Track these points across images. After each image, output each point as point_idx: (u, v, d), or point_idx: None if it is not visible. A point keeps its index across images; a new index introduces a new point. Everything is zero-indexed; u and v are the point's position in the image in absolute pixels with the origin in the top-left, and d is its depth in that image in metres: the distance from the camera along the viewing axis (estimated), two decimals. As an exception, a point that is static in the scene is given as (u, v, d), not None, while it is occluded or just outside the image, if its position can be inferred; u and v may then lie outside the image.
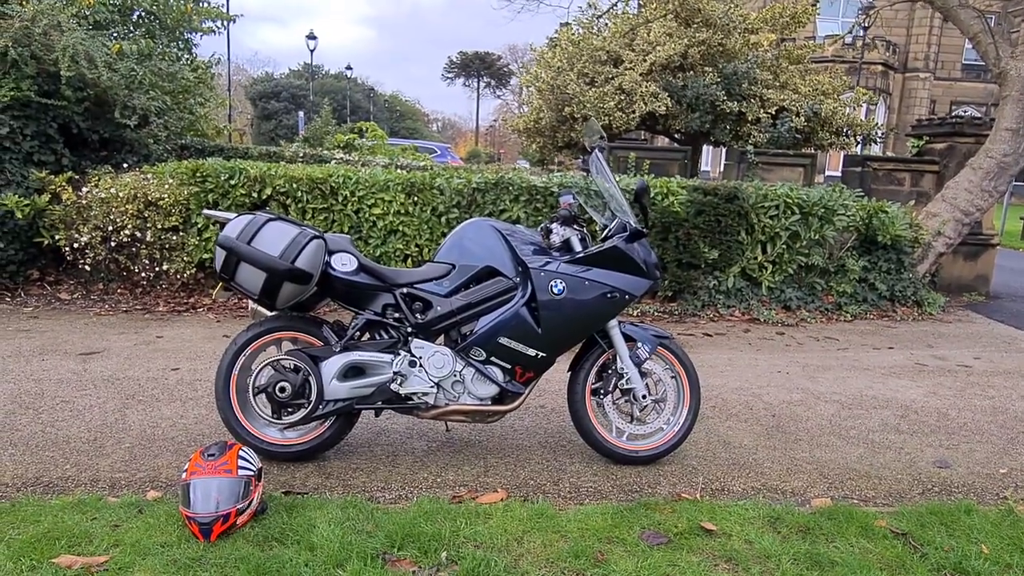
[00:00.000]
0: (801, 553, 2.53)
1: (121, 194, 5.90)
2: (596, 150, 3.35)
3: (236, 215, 3.01)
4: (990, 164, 6.98)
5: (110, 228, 5.93)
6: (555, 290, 3.05)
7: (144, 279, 6.17)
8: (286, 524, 2.55)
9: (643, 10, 10.44)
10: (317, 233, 2.96)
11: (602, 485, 3.09)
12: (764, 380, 4.69)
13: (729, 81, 9.87)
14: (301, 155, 8.22)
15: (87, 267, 6.09)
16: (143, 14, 8.14)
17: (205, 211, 3.26)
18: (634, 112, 10.05)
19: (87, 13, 6.77)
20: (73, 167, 6.42)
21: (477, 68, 71.39)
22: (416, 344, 3.08)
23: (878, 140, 11.24)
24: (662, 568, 2.40)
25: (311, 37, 30.32)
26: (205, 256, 6.04)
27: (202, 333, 5.22)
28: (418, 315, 3.10)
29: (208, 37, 9.16)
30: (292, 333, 3.15)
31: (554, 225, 3.29)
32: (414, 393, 3.07)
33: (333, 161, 7.70)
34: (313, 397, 3.01)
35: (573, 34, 11.30)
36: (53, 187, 6.00)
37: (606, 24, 11.16)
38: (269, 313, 3.14)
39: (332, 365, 3.02)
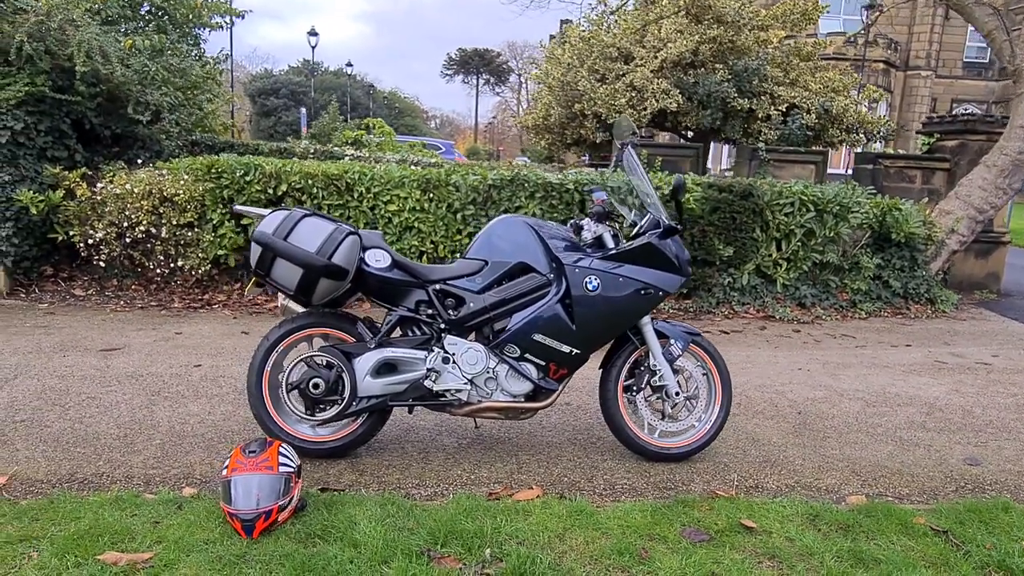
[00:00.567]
0: (844, 550, 2.52)
1: (136, 190, 5.87)
2: (629, 146, 3.33)
3: (271, 211, 2.99)
4: (1004, 161, 6.98)
5: (125, 224, 5.91)
6: (590, 286, 3.04)
7: (159, 275, 6.15)
8: (327, 521, 2.53)
9: (653, 6, 10.41)
10: (352, 229, 2.95)
11: (636, 482, 3.08)
12: (786, 377, 4.69)
13: (740, 78, 9.86)
14: (312, 151, 8.18)
15: (102, 263, 6.07)
16: (152, 8, 8.12)
17: (236, 207, 3.24)
18: (645, 109, 10.03)
19: (99, 8, 6.74)
20: (86, 163, 6.40)
21: (476, 65, 71.31)
22: (449, 340, 3.07)
23: (889, 137, 11.23)
24: (707, 566, 2.39)
25: (312, 34, 30.25)
26: (220, 253, 6.02)
27: (220, 329, 5.20)
28: (451, 311, 3.09)
29: (208, 33, 9.16)
30: (324, 329, 3.13)
31: (585, 221, 3.29)
32: (447, 390, 3.06)
33: (347, 158, 7.66)
34: (347, 394, 3.00)
35: (583, 31, 11.27)
36: (67, 183, 5.97)
37: (615, 21, 11.14)
38: (299, 309, 3.12)
39: (366, 361, 3.01)
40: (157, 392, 3.85)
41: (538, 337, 3.04)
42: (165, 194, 5.91)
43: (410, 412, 3.22)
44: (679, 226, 3.18)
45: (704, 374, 3.34)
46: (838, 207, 6.60)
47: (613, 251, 3.12)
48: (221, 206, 5.98)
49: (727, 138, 10.55)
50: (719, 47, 10.00)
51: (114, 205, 5.91)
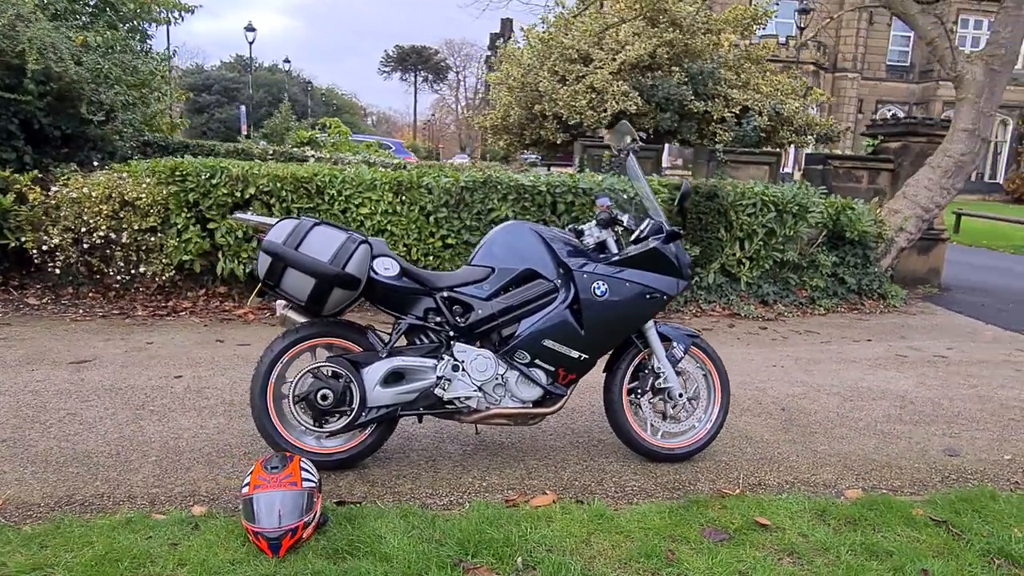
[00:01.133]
0: (856, 544, 2.63)
1: (94, 194, 5.62)
2: (631, 152, 3.38)
3: (277, 220, 2.92)
4: (948, 163, 7.35)
5: (83, 229, 5.65)
6: (598, 292, 3.08)
7: (118, 282, 5.91)
8: (352, 536, 2.50)
9: (611, 10, 10.54)
10: (364, 237, 2.91)
11: (645, 483, 3.13)
12: (764, 375, 4.83)
13: (695, 81, 10.10)
14: (271, 153, 7.99)
15: (57, 270, 5.79)
16: (98, 3, 7.78)
17: (235, 215, 3.15)
18: (606, 111, 10.16)
19: (46, 3, 6.43)
20: (35, 165, 6.09)
21: (414, 62, 70.71)
22: (459, 348, 3.06)
23: (835, 138, 11.71)
24: (732, 565, 2.46)
25: (249, 29, 29.44)
26: (185, 258, 5.82)
27: (193, 338, 5.03)
28: (459, 318, 3.08)
29: (155, 28, 8.85)
30: (329, 339, 3.08)
31: (587, 226, 3.33)
32: (457, 397, 3.05)
33: (311, 159, 7.51)
34: (356, 404, 2.96)
35: (541, 33, 11.32)
36: (18, 186, 5.68)
37: (570, 23, 11.23)
38: (301, 319, 3.06)
39: (375, 371, 2.98)
40: (141, 406, 3.71)
41: (548, 343, 3.06)
42: (126, 198, 5.68)
43: (420, 421, 3.20)
44: (681, 231, 3.25)
45: (704, 375, 3.42)
46: (797, 207, 6.84)
47: (619, 256, 3.16)
48: (186, 210, 5.78)
49: (683, 140, 10.80)
50: (675, 50, 10.23)
51: (70, 210, 5.65)
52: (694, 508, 2.85)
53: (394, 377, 3.02)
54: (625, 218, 3.44)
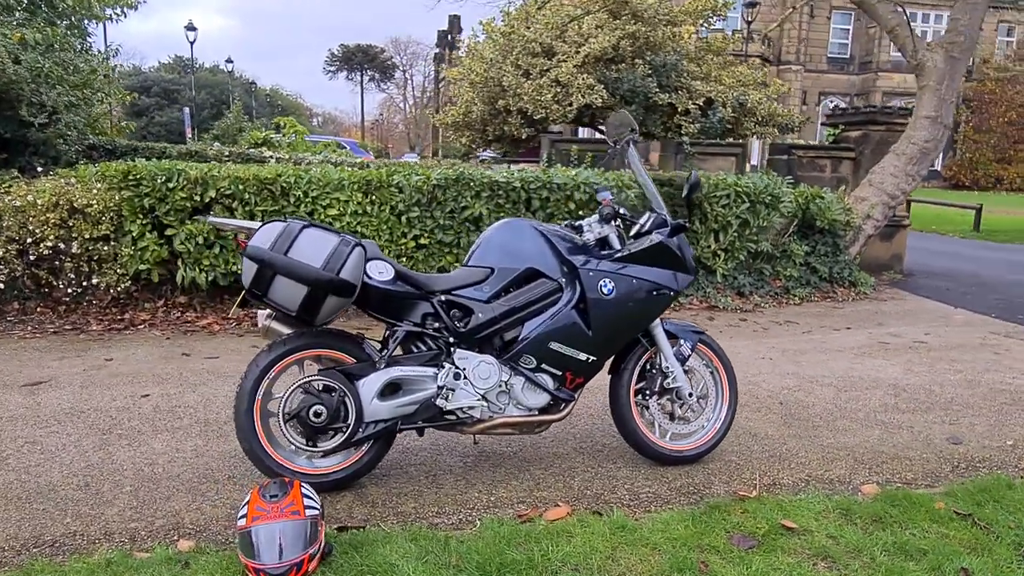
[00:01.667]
0: (888, 544, 2.53)
1: (40, 201, 5.24)
2: (631, 143, 3.24)
3: (261, 224, 2.68)
4: (912, 150, 7.44)
5: (28, 240, 5.26)
6: (605, 290, 2.92)
7: (68, 295, 5.53)
8: (361, 566, 2.29)
9: (570, 1, 10.40)
10: (357, 240, 2.69)
11: (658, 489, 2.99)
12: (754, 368, 4.75)
13: (659, 73, 10.05)
14: (227, 154, 7.63)
15: (0, 285, 5.38)
16: (35, -1, 7.30)
17: (209, 218, 2.90)
18: (571, 104, 10.03)
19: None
20: (-28, 172, 5.67)
21: (360, 61, 69.68)
22: (459, 355, 2.87)
23: (795, 129, 11.84)
24: (766, 573, 2.33)
25: (190, 28, 28.50)
26: (141, 267, 5.47)
27: (156, 352, 4.72)
28: (458, 323, 2.89)
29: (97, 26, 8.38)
30: (319, 351, 2.85)
31: (586, 222, 3.17)
32: (459, 408, 2.86)
33: (272, 160, 7.19)
34: (351, 420, 2.75)
35: (503, 26, 11.10)
36: (-46, 195, 5.26)
37: (531, 16, 11.04)
38: (286, 331, 2.83)
39: (372, 383, 2.77)
40: (107, 430, 3.41)
41: (555, 346, 2.89)
42: (75, 205, 5.31)
43: (421, 435, 2.99)
44: (687, 223, 3.12)
45: (711, 373, 3.30)
46: (770, 197, 6.81)
47: (624, 252, 3.01)
48: (141, 216, 5.43)
49: (647, 132, 10.75)
50: (638, 43, 10.16)
51: (13, 219, 5.25)
52: (716, 514, 2.72)
53: (391, 389, 2.82)
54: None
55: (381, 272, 2.79)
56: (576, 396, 3.01)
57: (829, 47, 38.35)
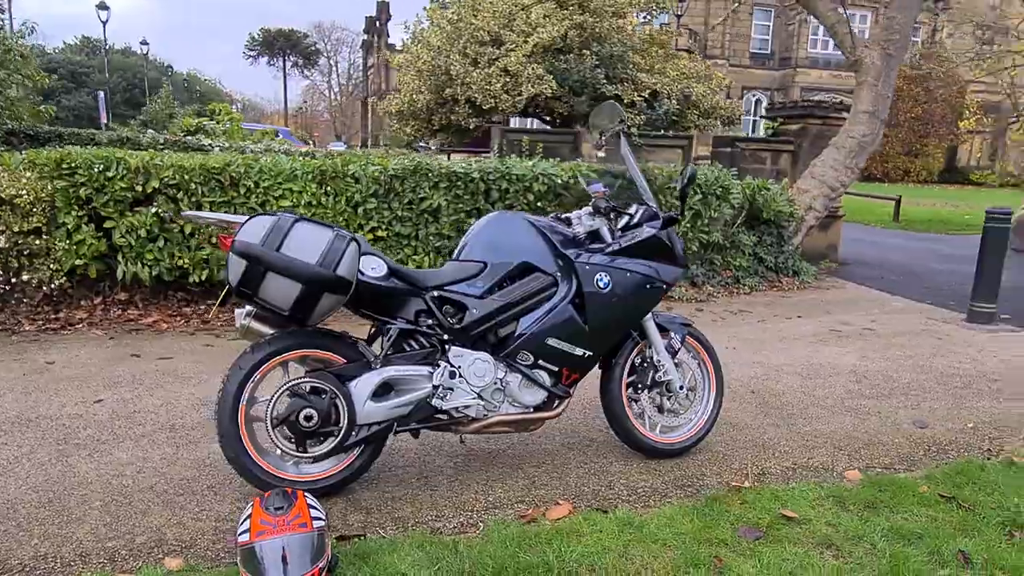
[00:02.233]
0: (886, 529, 2.59)
1: (-38, 192, 4.81)
2: (621, 135, 3.20)
3: (248, 217, 2.51)
4: (851, 143, 7.71)
5: (-51, 234, 4.83)
6: (600, 284, 2.88)
7: (-5, 293, 5.11)
8: (372, 577, 2.18)
9: None
10: (351, 235, 2.56)
11: (655, 483, 2.98)
12: (720, 358, 4.80)
13: (606, 64, 10.08)
14: (162, 142, 7.22)
15: (-83, 283, 4.93)
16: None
17: (186, 213, 2.70)
18: (520, 94, 9.94)
19: None
20: None
21: (282, 47, 67.49)
22: (454, 352, 2.78)
23: (734, 121, 12.12)
24: (780, 565, 2.35)
25: (102, 7, 26.88)
26: (77, 263, 5.11)
27: (102, 354, 4.41)
28: (452, 320, 2.79)
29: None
30: (306, 351, 2.70)
31: (575, 214, 3.12)
32: (455, 407, 2.77)
33: (216, 149, 6.85)
34: (343, 423, 2.62)
35: (451, 14, 10.86)
36: None
37: (478, 4, 10.85)
38: (267, 331, 2.67)
39: (365, 384, 2.64)
40: (63, 440, 3.16)
41: (552, 341, 2.83)
42: (2, 196, 4.89)
43: (416, 437, 2.88)
44: (679, 215, 3.11)
45: (699, 364, 3.31)
46: (720, 189, 6.93)
47: (618, 245, 2.97)
48: (77, 208, 5.07)
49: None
50: (585, 33, 10.15)
51: (-69, 211, 4.80)
52: (717, 507, 2.73)
53: (384, 389, 2.70)
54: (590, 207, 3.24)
55: (374, 268, 2.67)
56: (571, 392, 2.97)
57: (752, 43, 39.55)
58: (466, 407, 2.79)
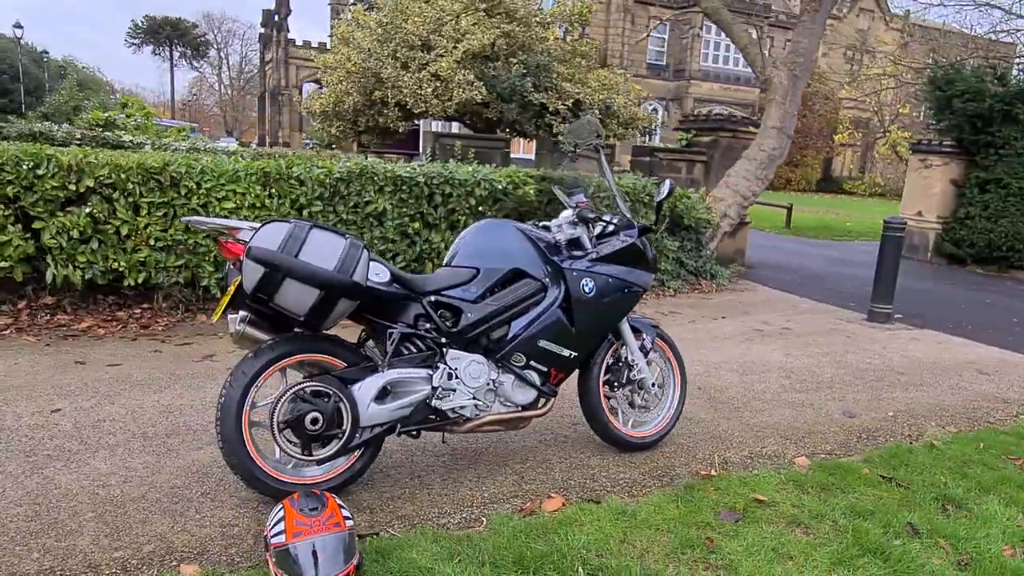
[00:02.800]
0: (843, 507, 2.91)
1: None
2: (599, 149, 3.40)
3: (263, 224, 2.53)
4: (762, 156, 8.29)
5: None
6: (586, 289, 3.07)
7: (-94, 298, 4.75)
8: (399, 572, 2.27)
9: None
10: (362, 241, 2.62)
11: (632, 474, 3.20)
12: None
13: (532, 73, 10.32)
14: (78, 137, 6.85)
15: None
16: None
17: (185, 218, 2.68)
18: (450, 99, 10.00)
19: None
20: None
21: (168, 36, 64.08)
22: (451, 355, 2.89)
23: (652, 132, 12.58)
24: (762, 543, 2.61)
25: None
26: (3, 264, 4.82)
27: (44, 361, 4.20)
28: (448, 323, 2.90)
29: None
30: (308, 355, 2.74)
31: (553, 223, 3.29)
32: (453, 407, 2.89)
33: (149, 146, 6.57)
34: (347, 426, 2.68)
35: (382, 17, 10.73)
36: None
37: (406, 9, 10.79)
38: (263, 337, 2.70)
39: (368, 387, 2.72)
40: (30, 452, 3.03)
41: (543, 343, 3.00)
42: (-82, 193, 4.56)
43: (416, 437, 2.96)
44: (654, 226, 3.34)
45: (665, 362, 3.56)
46: (647, 196, 7.31)
47: (601, 252, 3.17)
48: (2, 207, 4.78)
49: (520, 131, 10.99)
50: (512, 42, 10.35)
51: None
52: (695, 494, 2.97)
53: (387, 392, 2.78)
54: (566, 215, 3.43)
55: (378, 273, 2.74)
56: (557, 391, 3.14)
57: (648, 54, 41.12)
58: (462, 407, 2.91)
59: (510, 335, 2.98)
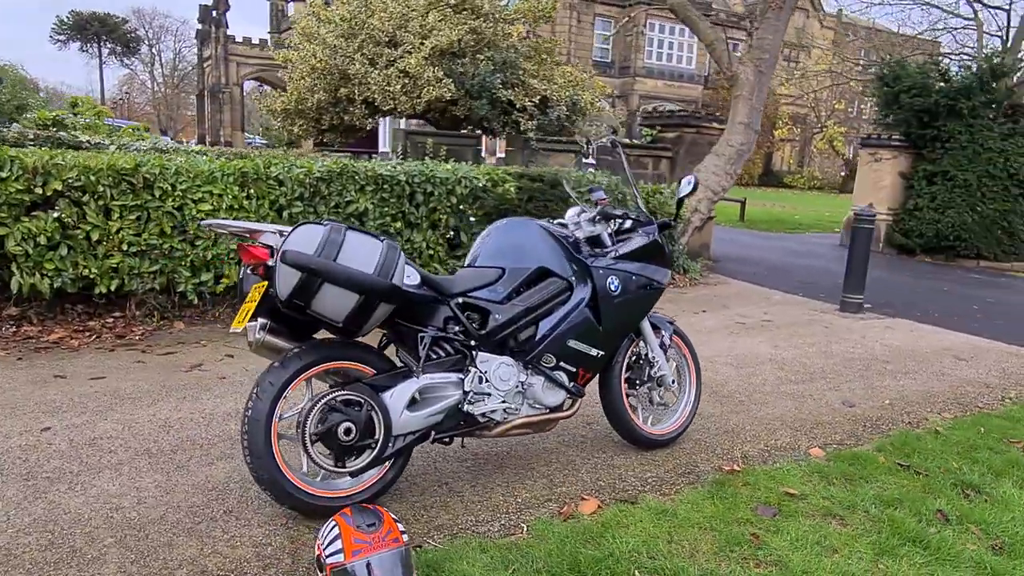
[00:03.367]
0: (871, 497, 2.95)
1: None
2: (618, 144, 3.36)
3: (295, 228, 2.40)
4: (730, 151, 8.41)
5: None
6: (612, 287, 3.04)
7: None
8: (456, 585, 2.19)
9: None
10: (395, 243, 2.52)
11: (658, 472, 3.17)
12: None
13: (499, 69, 10.22)
14: (31, 137, 6.48)
15: None
16: None
17: (206, 221, 2.52)
18: (420, 97, 9.81)
19: None
20: None
21: (96, 31, 61.51)
22: (481, 358, 2.81)
23: (618, 129, 12.68)
24: (807, 536, 2.61)
25: None
26: (-38, 274, 4.52)
27: (21, 376, 3.94)
28: (476, 325, 2.82)
29: None
30: (337, 363, 2.63)
31: (571, 221, 3.25)
32: (482, 412, 2.81)
33: (116, 147, 6.25)
34: (379, 435, 2.58)
35: (347, 12, 10.43)
36: None
37: (372, 4, 10.51)
38: (284, 345, 2.58)
39: (400, 394, 2.62)
40: (28, 475, 2.83)
41: (572, 343, 2.95)
42: None
43: (449, 443, 2.86)
44: (673, 221, 3.32)
45: (682, 359, 3.55)
46: (621, 194, 7.33)
47: (624, 250, 3.13)
48: (-40, 212, 4.47)
49: (488, 128, 10.88)
50: (479, 38, 10.23)
51: None
52: (726, 489, 2.97)
53: (419, 397, 2.68)
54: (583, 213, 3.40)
55: (409, 276, 2.64)
56: (584, 392, 3.09)
57: (594, 51, 41.45)
58: (492, 411, 2.83)
59: (539, 336, 2.92)
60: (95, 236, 4.81)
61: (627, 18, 35.40)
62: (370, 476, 2.67)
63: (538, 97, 10.40)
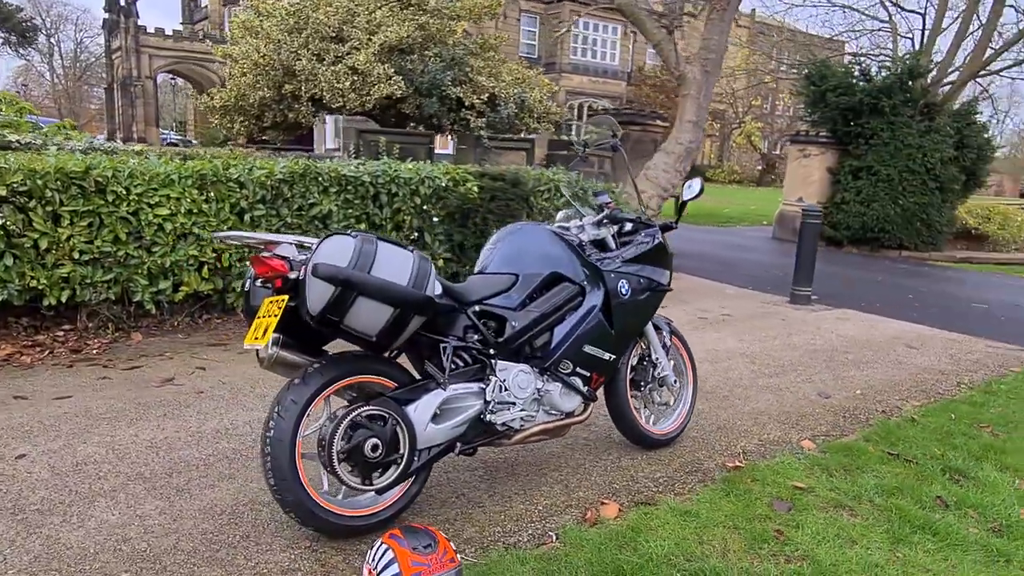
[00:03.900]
0: (873, 487, 3.07)
1: None
2: (619, 148, 3.37)
3: (320, 241, 2.29)
4: (680, 149, 8.59)
5: None
6: (623, 290, 3.05)
7: None
8: (507, 601, 2.15)
9: None
10: (426, 254, 2.45)
11: (667, 472, 3.21)
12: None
13: (448, 66, 10.08)
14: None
15: None
16: None
17: (218, 234, 2.38)
18: (370, 94, 9.54)
19: None
20: None
21: (-12, 20, 57.54)
22: (500, 366, 2.77)
23: (561, 125, 12.73)
24: (826, 530, 2.70)
25: None
26: None
27: (-24, 399, 3.64)
28: (494, 333, 2.78)
29: None
30: (360, 377, 2.54)
31: (574, 225, 3.25)
32: (503, 421, 2.77)
33: (53, 148, 5.84)
34: (404, 449, 2.51)
35: (290, 4, 10.03)
36: None
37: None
38: (301, 360, 2.48)
39: (425, 406, 2.56)
40: (15, 508, 2.61)
41: (587, 348, 2.94)
42: None
43: (473, 454, 2.81)
44: (675, 224, 3.36)
45: (679, 358, 3.59)
46: (581, 191, 7.36)
47: (627, 254, 3.15)
48: None
49: (436, 126, 10.71)
50: (427, 35, 10.05)
51: None
52: (738, 487, 3.03)
53: (441, 409, 2.62)
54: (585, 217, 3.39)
55: (436, 287, 2.57)
56: (597, 397, 3.09)
57: (520, 47, 41.55)
58: (512, 420, 2.80)
59: (554, 342, 2.90)
60: (43, 244, 4.50)
61: (553, 15, 35.65)
62: (394, 492, 2.59)
63: (486, 94, 10.34)
